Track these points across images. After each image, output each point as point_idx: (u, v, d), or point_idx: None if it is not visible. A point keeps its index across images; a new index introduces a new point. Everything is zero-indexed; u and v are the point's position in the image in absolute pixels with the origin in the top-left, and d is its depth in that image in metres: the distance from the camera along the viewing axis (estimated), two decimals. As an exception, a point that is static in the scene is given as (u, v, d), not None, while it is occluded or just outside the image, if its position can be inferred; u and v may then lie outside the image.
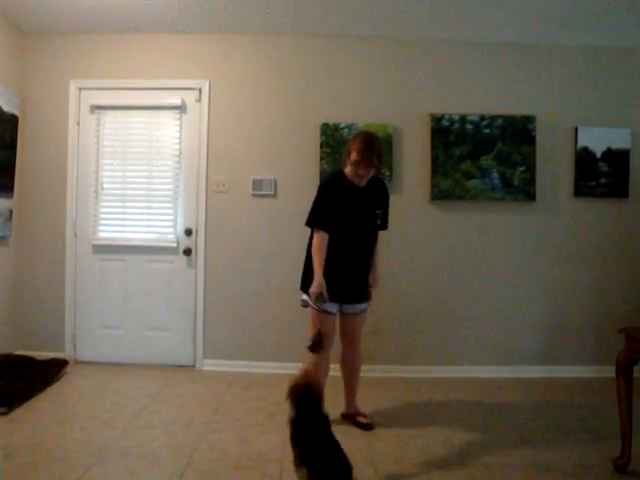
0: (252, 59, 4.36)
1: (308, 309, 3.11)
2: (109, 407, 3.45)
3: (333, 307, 3.10)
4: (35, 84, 4.37)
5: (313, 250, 3.05)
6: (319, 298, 2.97)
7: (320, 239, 3.03)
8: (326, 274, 3.02)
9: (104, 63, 4.36)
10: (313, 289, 2.96)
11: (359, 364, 3.30)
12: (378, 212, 3.16)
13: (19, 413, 3.26)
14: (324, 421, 2.33)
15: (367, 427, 3.15)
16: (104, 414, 3.32)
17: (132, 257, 4.38)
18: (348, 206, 3.07)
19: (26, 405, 3.38)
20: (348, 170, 3.08)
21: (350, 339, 3.25)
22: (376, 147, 3.02)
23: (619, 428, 2.69)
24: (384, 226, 3.27)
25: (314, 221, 3.09)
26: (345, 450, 2.22)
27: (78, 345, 4.40)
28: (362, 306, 3.21)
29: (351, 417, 3.25)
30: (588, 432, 3.19)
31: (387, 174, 4.21)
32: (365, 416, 3.24)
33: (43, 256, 4.38)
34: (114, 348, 4.38)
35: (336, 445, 2.23)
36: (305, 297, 3.11)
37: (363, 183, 3.08)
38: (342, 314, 3.20)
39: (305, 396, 2.34)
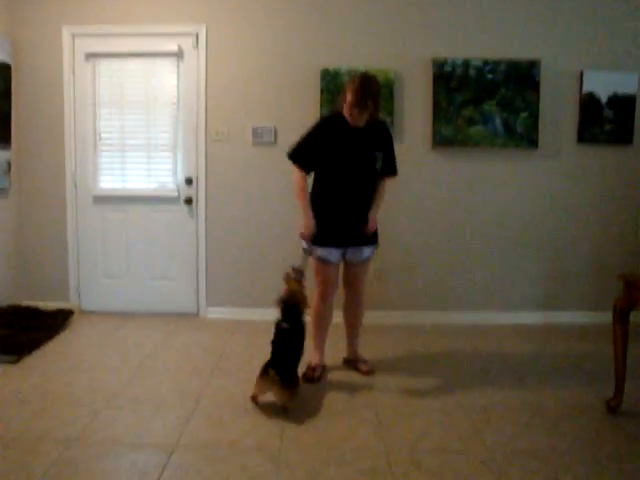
0: (249, 2, 4.22)
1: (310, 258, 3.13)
2: (115, 355, 3.53)
3: (334, 256, 3.09)
4: (27, 31, 4.24)
5: (295, 189, 3.04)
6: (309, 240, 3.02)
7: (299, 177, 3.03)
8: (324, 218, 3.03)
9: (98, 7, 4.21)
10: (303, 229, 3.00)
11: (361, 313, 3.33)
12: (378, 154, 3.07)
13: (28, 362, 3.34)
14: (301, 328, 2.91)
15: (367, 374, 3.22)
16: (111, 362, 3.40)
17: (133, 207, 4.38)
18: (342, 146, 3.02)
19: (34, 354, 3.46)
20: (345, 111, 3.01)
21: (353, 289, 3.26)
22: (373, 89, 2.94)
23: (614, 372, 2.76)
24: (392, 171, 3.19)
25: (294, 154, 3.07)
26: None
27: (82, 295, 4.46)
28: (366, 252, 3.16)
29: (352, 363, 3.32)
30: (584, 375, 3.27)
31: (388, 120, 4.15)
32: (365, 362, 3.30)
33: (44, 207, 4.39)
34: (118, 297, 4.45)
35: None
36: (305, 245, 3.13)
37: (360, 124, 3.01)
38: (345, 264, 3.20)
39: (290, 305, 2.89)
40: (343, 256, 3.15)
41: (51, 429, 2.48)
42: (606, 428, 2.60)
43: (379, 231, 3.24)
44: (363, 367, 3.25)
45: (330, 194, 3.07)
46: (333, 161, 3.03)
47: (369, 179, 3.09)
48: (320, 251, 3.07)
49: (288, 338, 2.83)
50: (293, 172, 3.07)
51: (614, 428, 2.60)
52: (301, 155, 3.05)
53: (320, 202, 3.08)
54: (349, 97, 2.92)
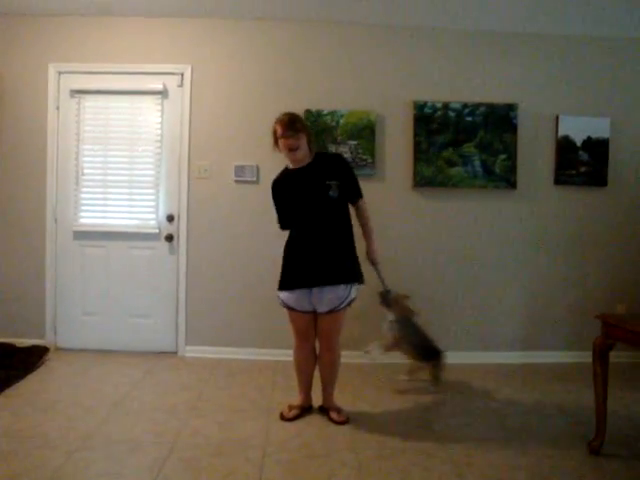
0: (234, 44, 4.31)
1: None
2: (91, 394, 3.44)
3: (299, 301, 3.02)
4: (13, 67, 4.27)
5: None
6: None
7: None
8: (290, 262, 3.05)
9: (84, 47, 4.27)
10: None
11: (334, 363, 3.17)
12: (331, 183, 3.00)
13: (-1, 400, 3.24)
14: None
15: (340, 423, 3.09)
16: (86, 401, 3.31)
17: (114, 243, 4.34)
18: (293, 192, 3.05)
19: (6, 393, 3.36)
20: (284, 154, 3.05)
21: (324, 340, 3.11)
22: (298, 118, 3.06)
23: (594, 411, 2.76)
24: (357, 194, 3.13)
25: (281, 224, 3.17)
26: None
27: (59, 332, 4.36)
28: (336, 293, 2.98)
29: (326, 412, 3.20)
30: (565, 416, 3.26)
31: (370, 161, 4.22)
32: (339, 412, 3.16)
33: (23, 242, 4.33)
34: (96, 335, 4.36)
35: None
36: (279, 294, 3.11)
37: (299, 157, 3.01)
38: (317, 313, 3.08)
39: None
40: (313, 305, 3.04)
41: (20, 473, 2.39)
42: (588, 470, 2.58)
43: (361, 269, 3.16)
44: (335, 417, 3.13)
45: (294, 238, 3.08)
46: (291, 208, 3.07)
47: (327, 211, 3.01)
48: (282, 295, 3.07)
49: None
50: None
51: (597, 470, 2.58)
52: (283, 221, 3.16)
53: (287, 249, 3.10)
54: (279, 131, 2.98)
